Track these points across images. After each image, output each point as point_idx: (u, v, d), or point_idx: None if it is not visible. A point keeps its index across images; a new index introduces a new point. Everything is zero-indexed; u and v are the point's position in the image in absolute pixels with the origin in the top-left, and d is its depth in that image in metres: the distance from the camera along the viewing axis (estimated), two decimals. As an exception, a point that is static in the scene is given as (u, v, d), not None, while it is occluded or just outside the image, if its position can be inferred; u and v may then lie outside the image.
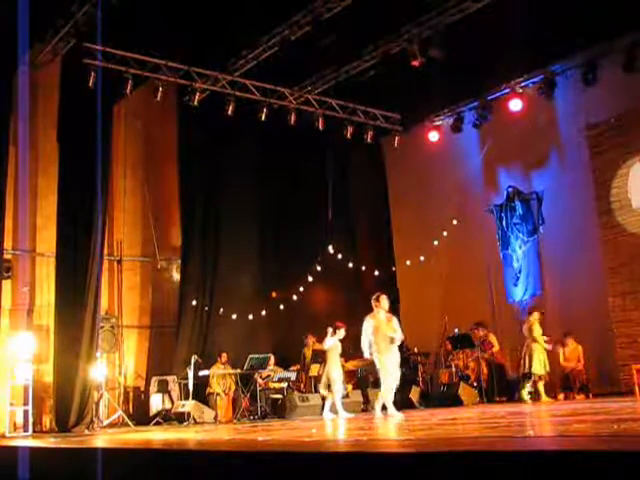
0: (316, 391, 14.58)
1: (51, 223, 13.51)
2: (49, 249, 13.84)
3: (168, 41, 13.44)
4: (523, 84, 14.92)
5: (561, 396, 13.09)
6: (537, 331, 13.04)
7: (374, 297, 10.98)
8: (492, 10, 12.02)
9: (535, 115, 14.76)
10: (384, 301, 10.91)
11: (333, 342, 12.09)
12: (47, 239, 13.96)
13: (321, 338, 15.26)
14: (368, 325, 10.70)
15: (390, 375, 10.54)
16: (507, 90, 15.13)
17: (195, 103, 14.44)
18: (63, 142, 13.46)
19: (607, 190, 13.75)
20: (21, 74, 12.94)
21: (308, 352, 15.07)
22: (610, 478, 2.80)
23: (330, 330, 12.18)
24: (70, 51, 13.09)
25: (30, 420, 12.51)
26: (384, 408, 10.70)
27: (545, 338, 13.04)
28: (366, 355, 10.83)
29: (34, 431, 12.61)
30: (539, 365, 12.85)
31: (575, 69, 14.06)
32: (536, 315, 13.23)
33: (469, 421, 8.19)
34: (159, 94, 13.96)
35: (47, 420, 13.43)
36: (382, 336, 10.56)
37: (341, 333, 12.23)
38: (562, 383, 13.33)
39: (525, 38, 12.45)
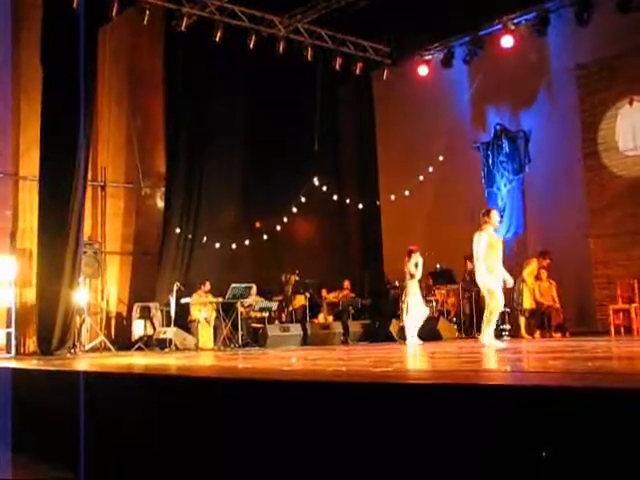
0: (297, 321, 14.76)
1: (34, 147, 13.35)
2: (32, 173, 13.70)
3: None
4: (516, 20, 14.74)
5: (537, 334, 13.29)
6: (527, 272, 13.31)
7: (483, 212, 9.66)
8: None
9: (526, 53, 14.63)
10: (495, 216, 9.62)
11: (415, 269, 12.42)
12: (30, 163, 13.81)
13: (301, 271, 15.42)
14: (482, 240, 9.34)
15: (501, 300, 9.28)
16: (499, 26, 14.95)
17: (182, 28, 14.19)
18: (47, 65, 13.18)
19: (594, 132, 13.74)
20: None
21: (288, 287, 15.22)
22: (582, 414, 2.86)
23: (407, 258, 12.51)
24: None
25: (13, 342, 12.59)
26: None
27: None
28: (482, 276, 9.35)
29: (17, 353, 12.71)
30: (528, 301, 13.20)
31: (569, 7, 13.89)
32: (536, 263, 13.42)
33: (447, 355, 8.31)
34: (146, 17, 13.69)
35: (30, 343, 13.52)
36: (495, 255, 9.38)
37: (416, 257, 12.41)
38: (538, 320, 13.51)
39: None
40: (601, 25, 13.39)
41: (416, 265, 12.55)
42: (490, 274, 9.26)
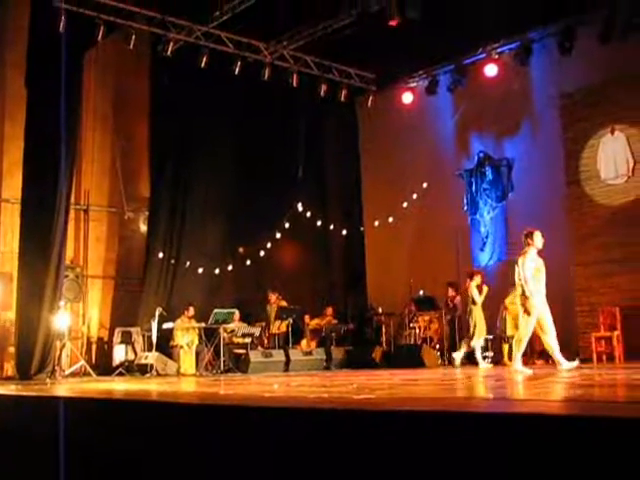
0: (279, 347, 14.69)
1: (17, 169, 13.30)
2: (14, 195, 13.64)
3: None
4: (499, 50, 14.89)
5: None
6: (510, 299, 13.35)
7: (526, 233, 9.42)
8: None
9: (510, 82, 14.75)
10: (538, 238, 9.37)
11: (478, 293, 12.62)
12: (13, 185, 13.76)
13: (284, 296, 15.35)
14: (527, 263, 9.17)
15: (551, 324, 9.13)
16: (483, 55, 15.09)
17: (168, 53, 14.23)
18: (31, 87, 13.17)
19: (577, 160, 13.85)
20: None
21: (271, 309, 15.15)
22: (563, 442, 2.85)
23: (469, 281, 12.67)
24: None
25: (-9, 366, 12.47)
26: (544, 355, 9.62)
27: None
28: (529, 300, 9.11)
29: (-5, 377, 12.58)
30: (510, 328, 13.21)
31: (552, 37, 14.04)
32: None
33: (429, 382, 8.28)
34: (132, 42, 13.72)
35: (9, 367, 13.38)
36: (539, 278, 9.25)
37: (477, 280, 12.50)
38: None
39: (504, 3, 12.41)
40: (584, 55, 13.53)
41: (478, 288, 12.74)
42: (537, 295, 9.10)
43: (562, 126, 14.05)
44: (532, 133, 14.73)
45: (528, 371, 9.09)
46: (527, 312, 9.07)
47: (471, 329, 12.81)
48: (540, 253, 9.47)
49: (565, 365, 9.29)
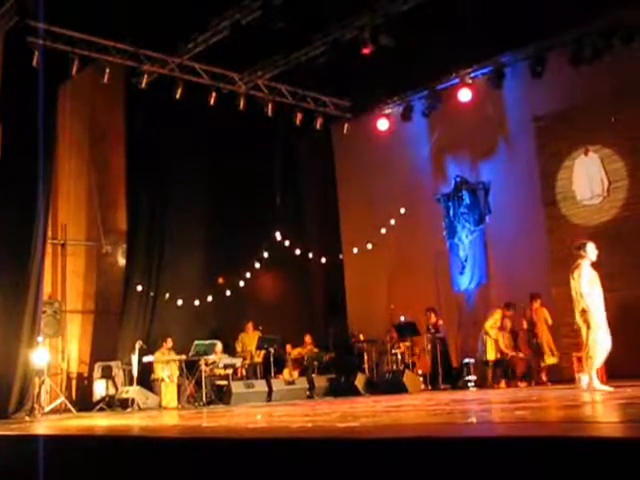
0: (261, 377, 14.60)
1: (-8, 205, 13.18)
2: (-10, 232, 13.50)
3: (116, 22, 13.17)
4: (472, 74, 15.03)
5: (503, 384, 13.28)
6: (490, 324, 13.45)
7: (577, 245, 9.04)
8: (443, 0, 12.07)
9: (484, 106, 14.89)
10: (591, 249, 8.93)
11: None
12: (-12, 221, 13.61)
13: (264, 326, 15.27)
14: (582, 275, 8.75)
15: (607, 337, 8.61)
16: (457, 80, 15.23)
17: (143, 86, 14.25)
18: (6, 120, 13.10)
19: (552, 182, 13.97)
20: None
21: (246, 338, 15.10)
22: (548, 463, 2.83)
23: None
24: (13, 28, 12.73)
25: (-32, 406, 12.24)
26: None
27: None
28: (587, 314, 8.63)
29: (-28, 417, 12.35)
30: (492, 352, 13.25)
31: (524, 61, 14.21)
32: (500, 314, 13.55)
33: (413, 408, 8.24)
34: (106, 76, 13.72)
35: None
36: (595, 290, 8.79)
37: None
38: (503, 371, 13.52)
39: (475, 29, 12.54)
40: (555, 78, 13.70)
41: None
42: (595, 311, 8.67)
43: (537, 148, 14.19)
44: (507, 156, 14.85)
45: (608, 389, 8.54)
46: (589, 327, 8.61)
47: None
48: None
49: (598, 387, 8.63)
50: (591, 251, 8.96)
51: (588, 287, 8.74)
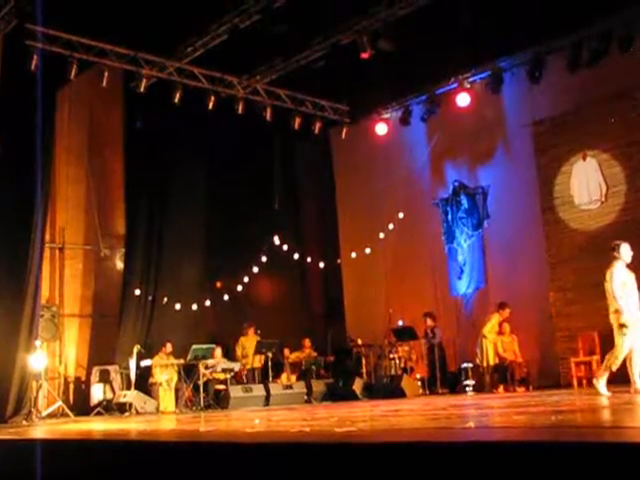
0: (259, 381, 14.58)
1: (-10, 209, 13.17)
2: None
3: (115, 25, 13.17)
4: (471, 79, 15.04)
5: (501, 388, 13.26)
6: (488, 328, 13.42)
7: (612, 245, 8.92)
8: (442, 4, 12.08)
9: (482, 110, 14.91)
10: (626, 250, 8.78)
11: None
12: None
13: (262, 330, 15.25)
14: (615, 277, 8.65)
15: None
16: (455, 85, 15.23)
17: (142, 90, 14.24)
18: (3, 126, 13.10)
19: (551, 186, 13.97)
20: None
21: (246, 342, 15.07)
22: (545, 468, 2.82)
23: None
24: (12, 31, 12.73)
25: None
26: None
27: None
28: (620, 315, 8.56)
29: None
30: (491, 356, 13.25)
31: (522, 66, 14.23)
32: (497, 318, 13.54)
33: (411, 413, 8.23)
34: (105, 79, 13.72)
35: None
36: (630, 292, 8.67)
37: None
38: (502, 375, 13.51)
39: (474, 33, 12.57)
40: (553, 83, 13.72)
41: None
42: (628, 313, 8.61)
43: (535, 153, 14.19)
44: (506, 161, 14.86)
45: (607, 393, 8.57)
46: (621, 328, 8.55)
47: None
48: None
49: (602, 390, 8.64)
50: (625, 252, 8.87)
51: (621, 289, 8.68)
